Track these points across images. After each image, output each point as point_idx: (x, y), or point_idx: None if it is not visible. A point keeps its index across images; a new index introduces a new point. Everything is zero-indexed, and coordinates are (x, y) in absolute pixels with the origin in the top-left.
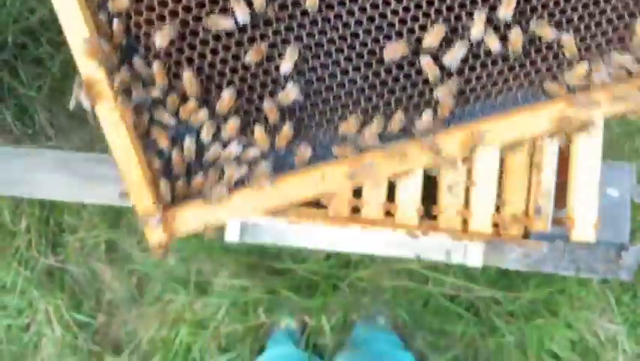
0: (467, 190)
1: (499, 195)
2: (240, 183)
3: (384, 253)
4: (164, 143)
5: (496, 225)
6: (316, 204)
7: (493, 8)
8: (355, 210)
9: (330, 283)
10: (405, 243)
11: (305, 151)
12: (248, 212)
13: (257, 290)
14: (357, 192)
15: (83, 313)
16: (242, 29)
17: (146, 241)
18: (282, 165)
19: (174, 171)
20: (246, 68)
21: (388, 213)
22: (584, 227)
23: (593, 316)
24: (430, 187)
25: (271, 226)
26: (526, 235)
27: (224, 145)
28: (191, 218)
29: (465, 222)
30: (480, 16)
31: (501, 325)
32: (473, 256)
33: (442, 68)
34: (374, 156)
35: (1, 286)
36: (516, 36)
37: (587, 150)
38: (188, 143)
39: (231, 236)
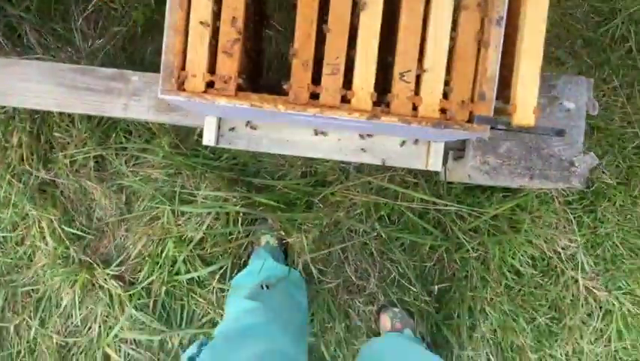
0: (418, 78)
1: (447, 83)
2: None
3: (353, 160)
4: None
5: (443, 110)
6: (277, 92)
7: None
8: (314, 96)
9: (306, 200)
10: (371, 148)
11: None
12: None
13: (237, 204)
14: (317, 80)
15: (74, 227)
16: None
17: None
18: None
19: None
20: None
21: (345, 100)
22: (525, 112)
23: (553, 233)
24: (386, 79)
25: (246, 132)
26: (470, 120)
27: None
28: None
29: (415, 108)
30: None
31: (465, 240)
32: (434, 162)
33: None
34: None
35: None
36: None
37: (531, 38)
38: None
39: (207, 140)
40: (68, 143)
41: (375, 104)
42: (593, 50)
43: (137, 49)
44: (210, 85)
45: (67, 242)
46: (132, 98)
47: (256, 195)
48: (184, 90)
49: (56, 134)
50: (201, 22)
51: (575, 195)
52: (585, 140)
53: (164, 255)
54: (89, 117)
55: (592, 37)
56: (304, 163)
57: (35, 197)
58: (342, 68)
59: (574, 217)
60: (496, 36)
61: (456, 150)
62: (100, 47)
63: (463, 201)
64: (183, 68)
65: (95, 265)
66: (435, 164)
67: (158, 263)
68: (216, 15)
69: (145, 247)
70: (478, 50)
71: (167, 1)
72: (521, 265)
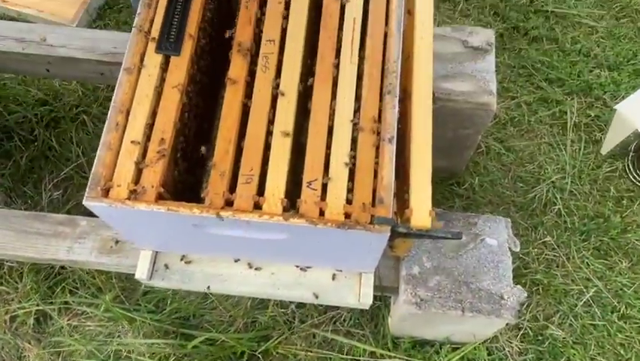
0: (325, 186)
1: (350, 190)
2: None
3: (286, 294)
4: None
5: (347, 215)
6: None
7: None
8: (231, 204)
9: (250, 355)
10: (303, 283)
11: None
12: None
13: (171, 355)
14: (232, 188)
15: None
16: None
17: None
18: None
19: None
20: None
21: (257, 206)
22: (421, 214)
23: None
24: (296, 185)
25: (180, 267)
26: (371, 222)
27: None
28: None
29: (322, 213)
30: None
31: None
32: (366, 294)
33: None
34: None
35: None
36: None
37: (420, 152)
38: None
39: (140, 274)
40: (12, 299)
41: (287, 210)
42: (526, 213)
43: None
44: (133, 193)
45: None
46: (77, 241)
47: (196, 349)
48: (107, 197)
49: (2, 287)
50: (132, 142)
51: (530, 353)
52: (531, 296)
53: None
54: (37, 271)
55: (523, 202)
56: (246, 314)
57: None
58: (256, 178)
59: None
60: (389, 151)
61: (393, 290)
62: (63, 206)
63: (413, 356)
64: (111, 179)
65: None
66: (366, 296)
67: None
68: (148, 137)
69: None
70: (376, 163)
71: (105, 123)
72: None
